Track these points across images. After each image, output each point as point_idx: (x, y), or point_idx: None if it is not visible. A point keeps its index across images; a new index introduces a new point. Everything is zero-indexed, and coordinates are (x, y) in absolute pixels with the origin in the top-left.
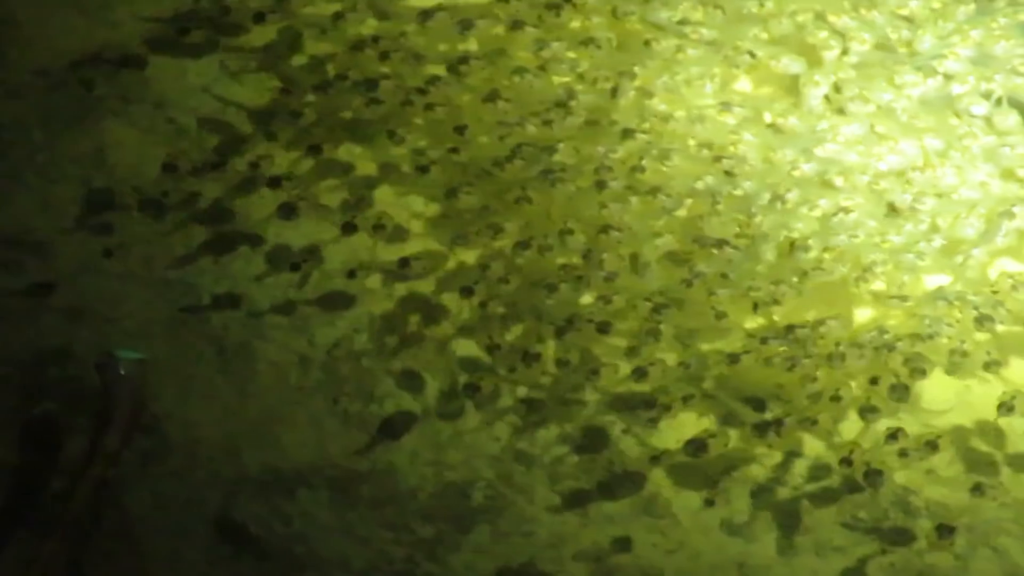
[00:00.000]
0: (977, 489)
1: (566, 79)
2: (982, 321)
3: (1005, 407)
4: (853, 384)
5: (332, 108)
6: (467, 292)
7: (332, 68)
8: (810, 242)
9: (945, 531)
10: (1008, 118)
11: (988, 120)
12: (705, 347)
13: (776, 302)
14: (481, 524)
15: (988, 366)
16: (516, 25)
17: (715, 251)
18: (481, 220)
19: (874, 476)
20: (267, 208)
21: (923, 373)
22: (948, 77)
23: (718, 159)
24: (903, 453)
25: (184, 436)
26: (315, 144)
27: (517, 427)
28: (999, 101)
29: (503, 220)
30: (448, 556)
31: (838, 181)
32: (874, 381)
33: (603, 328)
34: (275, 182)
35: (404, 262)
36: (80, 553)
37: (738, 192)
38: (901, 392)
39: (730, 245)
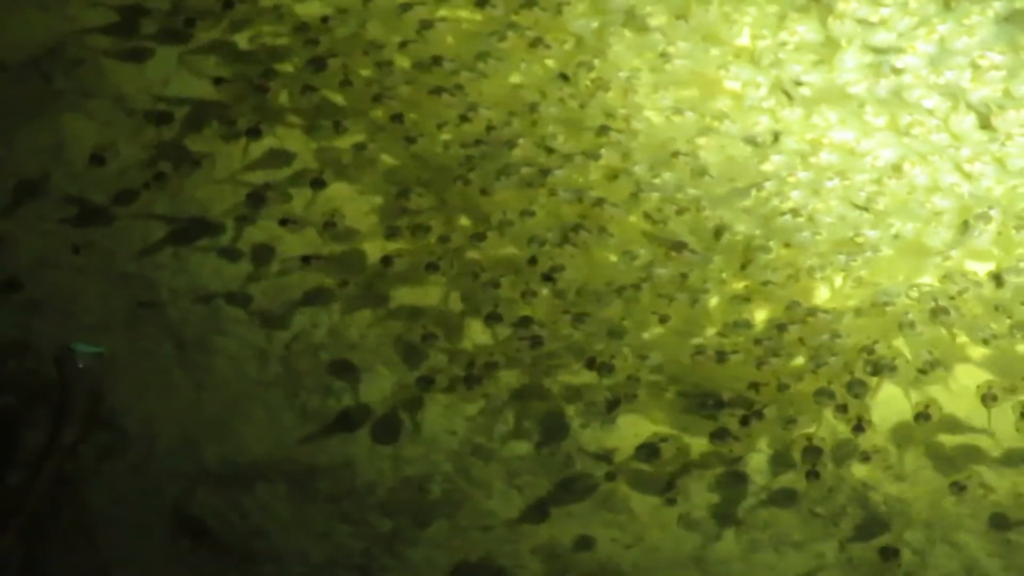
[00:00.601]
0: (956, 486)
1: (525, 76)
2: (937, 314)
3: (989, 396)
4: (814, 381)
5: (287, 98)
6: (432, 268)
7: (293, 59)
8: (771, 243)
9: (890, 553)
10: (966, 119)
11: (945, 120)
12: (664, 344)
13: (739, 300)
14: (439, 518)
15: (932, 366)
16: (480, 23)
17: (673, 253)
18: (437, 214)
19: (835, 472)
20: (227, 201)
21: (891, 370)
22: (902, 72)
23: (676, 155)
24: (865, 456)
25: (142, 430)
26: (267, 132)
27: (475, 421)
28: (956, 101)
29: (457, 213)
30: (406, 550)
31: (800, 178)
32: (836, 377)
33: (560, 322)
34: (258, 197)
35: (387, 260)
36: (37, 547)
37: (697, 191)
38: (859, 388)
39: (688, 248)
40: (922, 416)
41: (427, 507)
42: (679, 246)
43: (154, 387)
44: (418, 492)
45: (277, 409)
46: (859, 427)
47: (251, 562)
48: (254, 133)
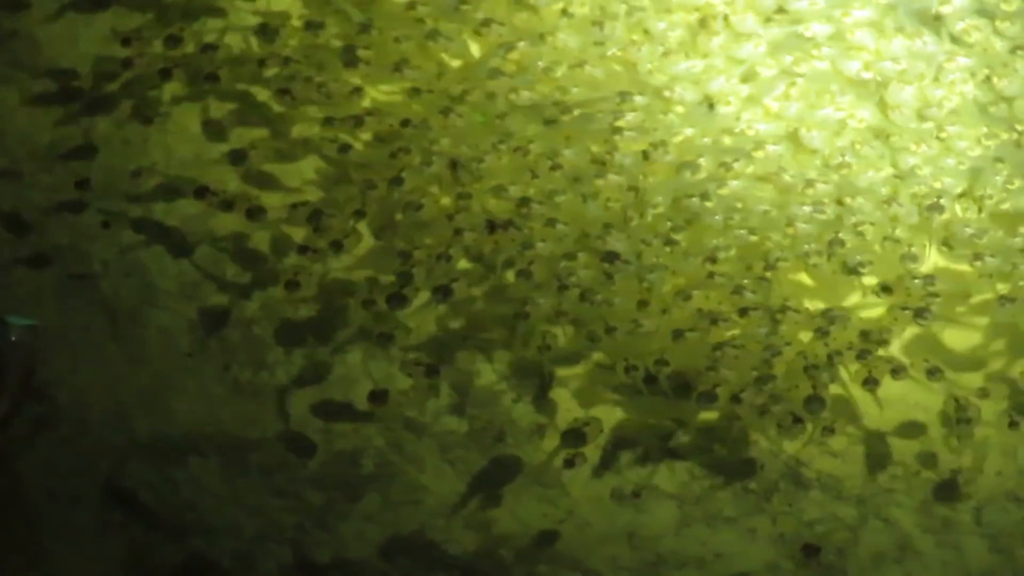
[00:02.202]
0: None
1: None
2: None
3: (871, 380)
4: (752, 362)
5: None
6: (359, 215)
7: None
8: (680, 220)
9: (811, 550)
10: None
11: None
12: (596, 318)
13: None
14: (371, 492)
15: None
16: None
17: (606, 264)
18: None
19: (767, 448)
20: (157, 176)
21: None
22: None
23: (610, 157)
24: (823, 438)
25: (74, 403)
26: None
27: (408, 396)
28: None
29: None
30: (338, 524)
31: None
32: (775, 360)
33: (495, 295)
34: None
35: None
36: None
37: (623, 178)
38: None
39: (620, 258)
40: (870, 381)
41: (359, 481)
42: (611, 256)
43: (86, 360)
44: (350, 466)
45: (209, 383)
46: (798, 420)
47: (183, 535)
48: (181, 102)
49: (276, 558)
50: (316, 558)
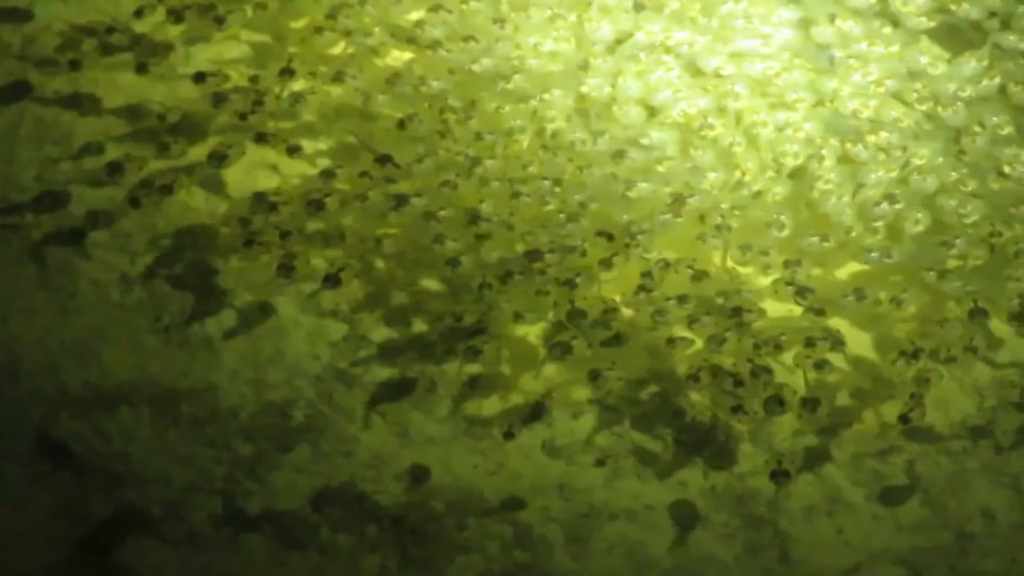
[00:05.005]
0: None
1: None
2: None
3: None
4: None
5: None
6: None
7: None
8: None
9: (780, 475)
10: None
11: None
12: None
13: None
14: (301, 443)
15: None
16: None
17: (536, 264)
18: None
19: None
20: (92, 127)
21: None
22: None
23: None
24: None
25: (4, 354)
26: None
27: (339, 347)
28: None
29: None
30: (268, 475)
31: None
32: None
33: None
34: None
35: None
36: None
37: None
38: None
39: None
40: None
41: (289, 432)
42: (535, 255)
43: (16, 310)
44: (280, 417)
45: (140, 334)
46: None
47: (113, 485)
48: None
49: (207, 508)
50: (247, 509)
